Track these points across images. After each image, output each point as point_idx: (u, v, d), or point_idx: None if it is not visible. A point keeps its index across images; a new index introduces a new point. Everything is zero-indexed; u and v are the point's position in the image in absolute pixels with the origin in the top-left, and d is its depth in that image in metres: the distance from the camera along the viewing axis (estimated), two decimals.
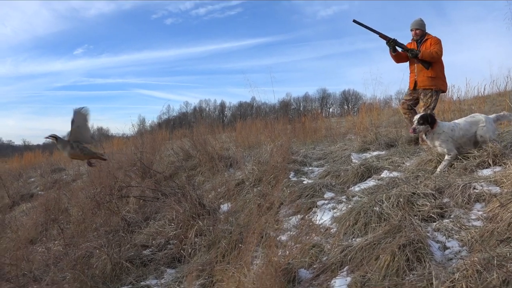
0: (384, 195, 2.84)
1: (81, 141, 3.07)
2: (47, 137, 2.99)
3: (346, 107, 46.92)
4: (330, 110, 48.61)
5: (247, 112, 42.61)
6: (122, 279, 2.99)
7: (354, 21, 4.53)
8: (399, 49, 4.54)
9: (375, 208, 2.70)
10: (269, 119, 9.38)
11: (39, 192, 7.07)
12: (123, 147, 8.73)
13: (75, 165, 8.76)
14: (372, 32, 4.53)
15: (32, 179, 8.70)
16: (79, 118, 2.99)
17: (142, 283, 2.89)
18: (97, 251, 3.23)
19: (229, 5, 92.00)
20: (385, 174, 3.66)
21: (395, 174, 3.58)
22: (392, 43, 4.48)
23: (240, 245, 2.73)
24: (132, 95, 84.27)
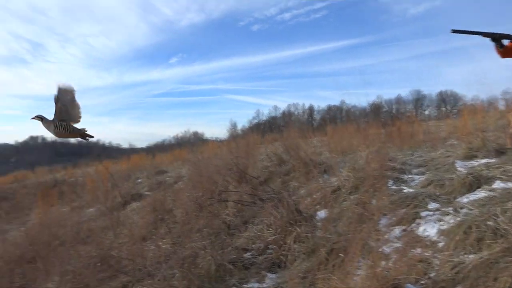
0: (499, 208, 2.63)
1: (68, 120, 2.76)
2: (33, 118, 2.73)
3: (443, 109, 43.55)
4: (426, 112, 45.47)
5: (337, 115, 41.83)
6: (226, 281, 3.16)
7: (453, 30, 4.23)
8: (506, 42, 4.15)
9: (488, 222, 2.52)
10: (360, 123, 9.15)
11: (146, 193, 7.72)
12: (218, 151, 9.15)
13: (176, 168, 9.44)
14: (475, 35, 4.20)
15: (139, 180, 9.50)
16: (64, 95, 2.69)
17: (244, 285, 3.03)
18: (202, 252, 3.45)
19: (313, 9, 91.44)
20: (497, 184, 3.37)
21: (510, 185, 3.29)
22: (498, 38, 4.11)
23: (340, 254, 2.74)
24: (224, 101, 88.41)
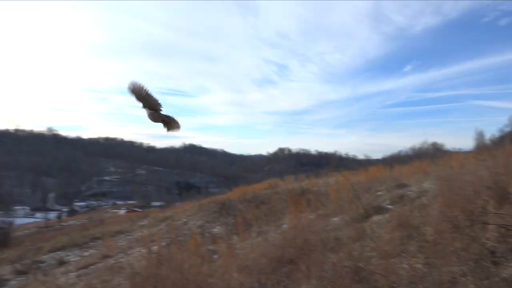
0: None
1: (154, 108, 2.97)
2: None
3: None
4: None
5: None
6: None
7: None
8: None
9: None
10: None
11: (388, 206, 7.59)
12: (465, 164, 8.25)
13: (417, 181, 8.96)
14: None
15: (379, 193, 9.41)
16: (137, 93, 2.83)
17: None
18: (463, 278, 3.16)
19: None
20: None
21: None
22: None
23: None
24: (466, 107, 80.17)
